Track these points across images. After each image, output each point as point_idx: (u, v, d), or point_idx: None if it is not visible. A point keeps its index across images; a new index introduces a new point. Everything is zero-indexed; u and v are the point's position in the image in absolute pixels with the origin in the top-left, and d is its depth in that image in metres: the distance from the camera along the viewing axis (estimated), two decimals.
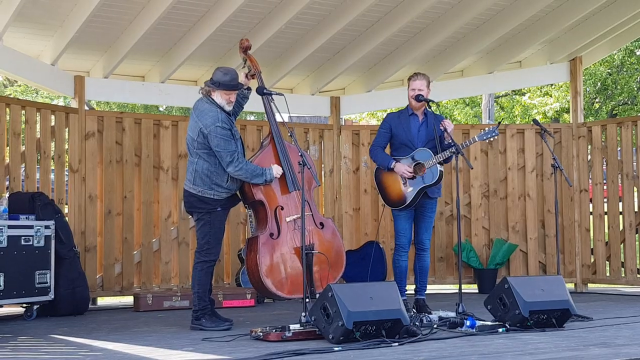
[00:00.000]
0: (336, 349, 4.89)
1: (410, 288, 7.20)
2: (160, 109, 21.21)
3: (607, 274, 9.35)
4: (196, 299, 6.15)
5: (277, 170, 6.24)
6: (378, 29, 8.61)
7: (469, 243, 9.39)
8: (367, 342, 5.03)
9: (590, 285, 9.59)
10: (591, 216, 9.52)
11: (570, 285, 9.27)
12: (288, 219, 6.25)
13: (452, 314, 6.28)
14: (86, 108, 8.65)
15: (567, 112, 19.12)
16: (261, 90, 6.34)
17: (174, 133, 8.82)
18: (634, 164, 9.17)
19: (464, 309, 6.23)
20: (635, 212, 9.15)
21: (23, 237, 6.90)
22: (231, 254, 8.95)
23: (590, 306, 7.49)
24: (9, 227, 6.79)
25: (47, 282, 7.04)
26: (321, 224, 6.40)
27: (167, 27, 7.95)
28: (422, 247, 7.06)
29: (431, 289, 8.42)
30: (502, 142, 9.57)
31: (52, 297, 7.08)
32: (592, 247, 9.47)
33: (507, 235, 9.54)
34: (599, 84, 20.88)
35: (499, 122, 7.33)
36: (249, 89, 6.53)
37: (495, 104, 21.62)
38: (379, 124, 7.28)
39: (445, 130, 6.71)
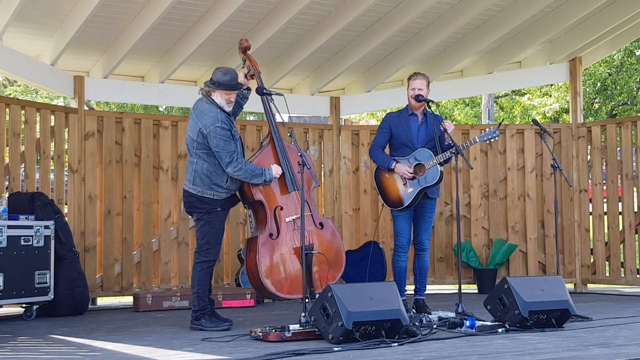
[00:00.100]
0: (336, 349, 4.89)
1: (410, 288, 7.19)
2: (160, 109, 21.20)
3: (607, 274, 9.34)
4: (196, 299, 6.15)
5: (276, 171, 6.23)
6: (378, 29, 8.61)
7: (468, 243, 9.39)
8: (366, 342, 5.03)
9: (589, 286, 9.59)
10: (591, 216, 9.52)
11: (570, 286, 9.27)
12: (287, 219, 6.25)
13: (452, 314, 6.28)
14: (86, 108, 8.65)
15: (567, 112, 19.11)
16: (261, 91, 6.33)
17: (173, 133, 8.82)
18: (634, 164, 9.17)
19: (464, 309, 6.24)
20: (635, 212, 9.15)
21: (23, 237, 6.90)
22: (231, 254, 8.95)
23: (589, 306, 7.49)
24: (9, 227, 6.79)
25: (46, 282, 7.04)
26: (321, 224, 6.40)
27: (166, 27, 7.95)
28: (421, 248, 7.06)
29: (431, 289, 8.42)
30: (501, 143, 9.57)
31: (52, 297, 7.08)
32: (591, 247, 9.47)
33: (506, 235, 9.54)
34: (598, 84, 20.88)
35: (500, 123, 7.33)
36: (248, 89, 6.53)
37: (495, 104, 21.63)
38: (379, 124, 7.27)
39: (446, 131, 6.71)
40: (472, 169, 9.10)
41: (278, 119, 6.43)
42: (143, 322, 6.81)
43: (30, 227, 6.98)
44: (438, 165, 6.81)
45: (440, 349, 4.92)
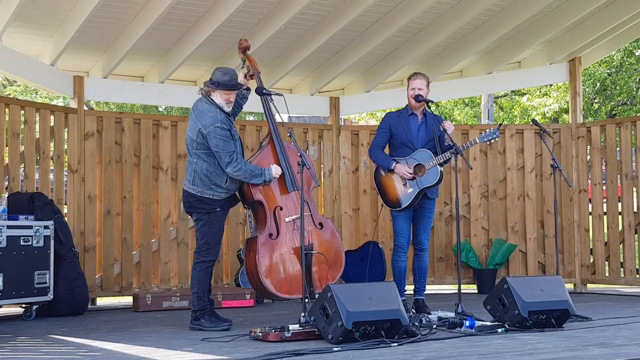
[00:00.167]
0: (335, 349, 4.89)
1: (410, 288, 7.19)
2: (160, 109, 21.19)
3: (606, 274, 9.34)
4: (195, 299, 6.15)
5: (276, 171, 6.23)
6: (377, 29, 8.61)
7: (468, 243, 9.39)
8: (366, 342, 5.03)
9: (589, 286, 9.59)
10: (590, 216, 9.52)
11: (570, 286, 9.27)
12: (287, 219, 6.25)
13: (452, 314, 6.28)
14: (85, 108, 8.64)
15: (566, 112, 19.11)
16: (260, 91, 6.33)
17: (173, 133, 8.82)
18: (633, 164, 9.17)
19: (463, 309, 6.24)
20: (635, 212, 9.15)
21: (22, 238, 6.90)
22: (230, 254, 8.95)
23: (589, 306, 7.49)
24: (8, 227, 6.79)
25: (46, 283, 7.04)
26: (320, 224, 6.40)
27: (166, 27, 7.95)
28: (421, 248, 7.06)
29: (430, 289, 8.42)
30: (501, 143, 9.57)
31: (51, 297, 7.08)
32: (591, 247, 9.47)
33: (506, 235, 9.54)
34: (598, 84, 20.87)
35: (500, 124, 7.33)
36: (248, 89, 6.53)
37: (494, 104, 21.63)
38: (378, 124, 7.27)
39: (446, 131, 6.71)
40: (471, 169, 9.11)
41: (278, 119, 6.43)
42: (143, 322, 6.81)
43: (30, 227, 6.98)
44: (438, 166, 6.81)
45: (439, 349, 4.92)
